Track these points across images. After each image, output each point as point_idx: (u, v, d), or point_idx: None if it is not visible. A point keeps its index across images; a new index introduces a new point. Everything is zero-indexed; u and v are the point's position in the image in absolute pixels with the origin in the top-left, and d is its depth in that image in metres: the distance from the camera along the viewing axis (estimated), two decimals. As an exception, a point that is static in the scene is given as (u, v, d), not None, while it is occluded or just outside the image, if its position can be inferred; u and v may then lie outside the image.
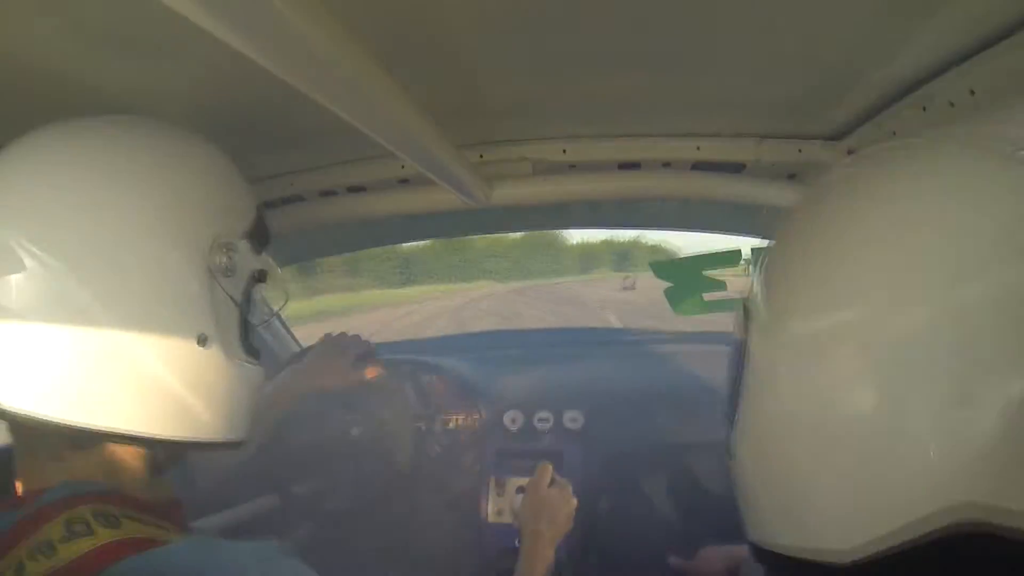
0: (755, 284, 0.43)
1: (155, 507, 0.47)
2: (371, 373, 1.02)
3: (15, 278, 0.41)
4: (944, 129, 0.45)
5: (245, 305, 0.51)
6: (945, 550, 0.30)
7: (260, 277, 0.53)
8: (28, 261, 0.41)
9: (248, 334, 0.52)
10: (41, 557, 0.38)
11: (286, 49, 0.43)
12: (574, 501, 0.85)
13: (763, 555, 0.40)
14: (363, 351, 1.03)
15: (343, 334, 1.06)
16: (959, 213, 0.34)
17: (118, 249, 0.43)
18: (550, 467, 0.85)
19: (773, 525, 0.39)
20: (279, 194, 1.01)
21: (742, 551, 0.80)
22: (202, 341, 0.46)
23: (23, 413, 0.41)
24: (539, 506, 0.81)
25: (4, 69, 0.57)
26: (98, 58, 0.58)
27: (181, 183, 0.48)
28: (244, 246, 0.50)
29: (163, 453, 0.50)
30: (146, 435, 0.44)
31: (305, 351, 1.31)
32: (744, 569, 0.78)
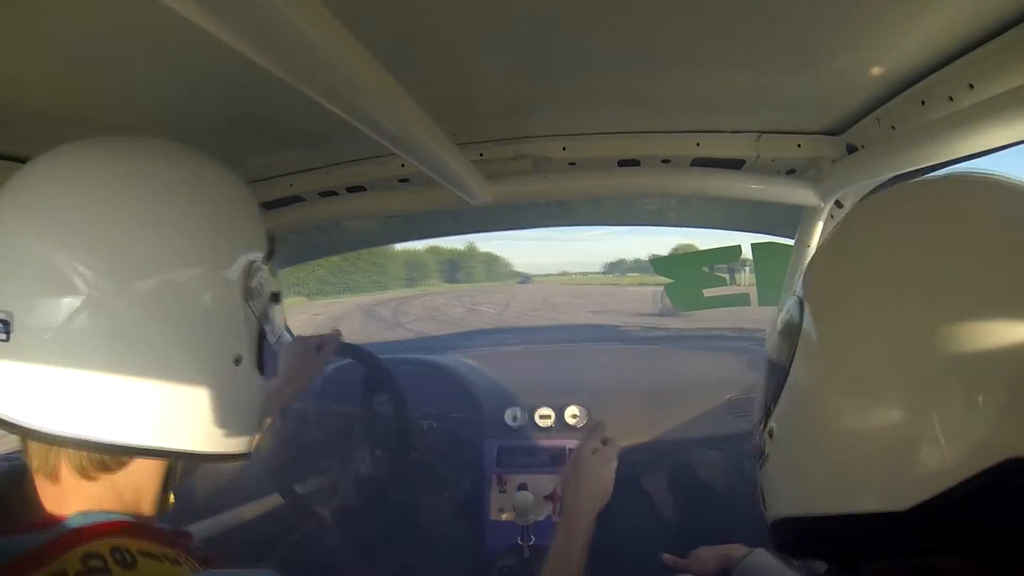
0: (811, 276, 0.45)
1: (170, 536, 0.47)
2: (334, 351, 1.00)
3: (56, 297, 0.41)
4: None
5: (266, 325, 0.52)
6: (993, 484, 0.32)
7: (276, 298, 0.53)
8: (72, 279, 0.41)
9: (262, 352, 0.53)
10: None
11: (286, 49, 0.43)
12: (613, 471, 0.84)
13: (798, 525, 0.42)
14: (323, 339, 1.00)
15: (300, 337, 1.03)
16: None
17: (166, 271, 0.44)
18: (601, 426, 0.84)
19: (821, 496, 0.41)
20: (279, 194, 1.01)
21: (735, 550, 0.81)
22: (237, 361, 0.48)
23: (67, 436, 0.41)
24: (579, 470, 0.80)
25: (19, 77, 0.57)
26: (99, 59, 0.58)
27: (221, 209, 0.48)
28: (266, 269, 0.51)
29: (183, 469, 0.51)
30: (182, 450, 0.45)
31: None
32: (737, 569, 0.78)
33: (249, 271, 0.48)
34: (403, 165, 0.94)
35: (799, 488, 0.43)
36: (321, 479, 1.39)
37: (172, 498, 0.52)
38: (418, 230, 1.53)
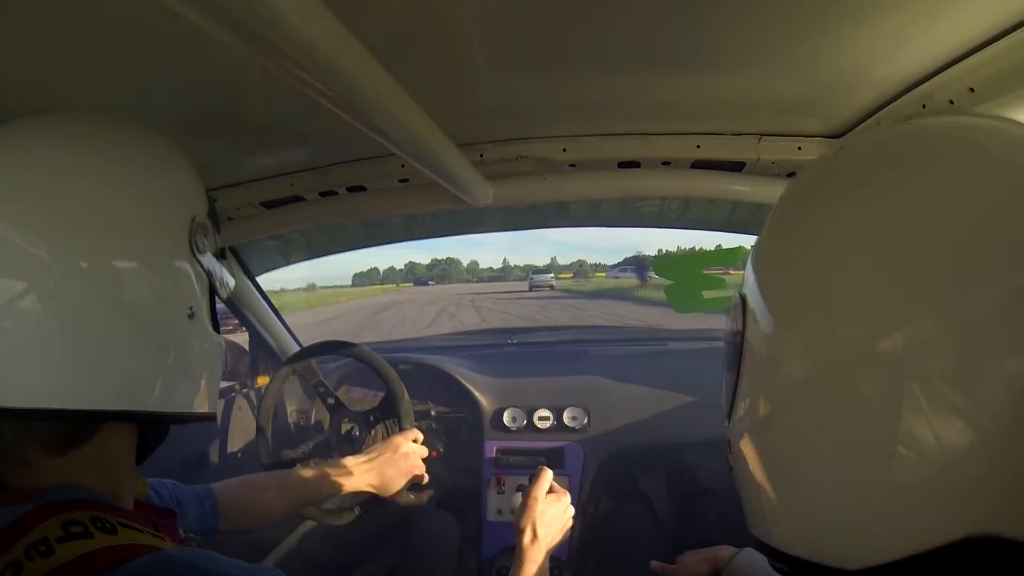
0: (750, 275, 0.41)
1: (149, 517, 0.48)
2: (424, 499, 1.07)
3: (8, 273, 0.41)
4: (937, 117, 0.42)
5: (213, 281, 0.54)
6: (954, 556, 0.29)
7: (221, 255, 0.56)
8: (22, 253, 0.41)
9: (215, 309, 0.55)
10: (38, 556, 0.38)
11: (286, 49, 0.43)
12: (571, 510, 0.85)
13: (766, 549, 0.39)
14: (421, 475, 1.05)
15: (409, 450, 1.05)
16: (965, 201, 0.31)
17: (113, 233, 0.45)
18: (549, 472, 0.85)
19: (773, 525, 0.38)
20: (279, 194, 1.01)
21: (723, 551, 0.80)
22: (191, 315, 0.49)
23: (29, 408, 0.41)
24: (536, 512, 0.80)
25: (17, 75, 0.57)
26: (101, 62, 0.58)
27: (158, 169, 0.50)
28: (209, 226, 0.53)
29: (149, 437, 0.52)
30: (147, 411, 0.46)
31: (309, 350, 1.30)
32: (726, 573, 0.78)
33: (192, 226, 0.50)
34: (403, 165, 0.94)
35: (755, 513, 0.40)
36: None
37: (147, 486, 0.54)
38: (418, 230, 1.52)
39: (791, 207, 0.42)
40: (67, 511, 0.41)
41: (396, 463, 1.01)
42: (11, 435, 0.44)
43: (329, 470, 0.96)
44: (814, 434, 0.34)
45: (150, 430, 0.52)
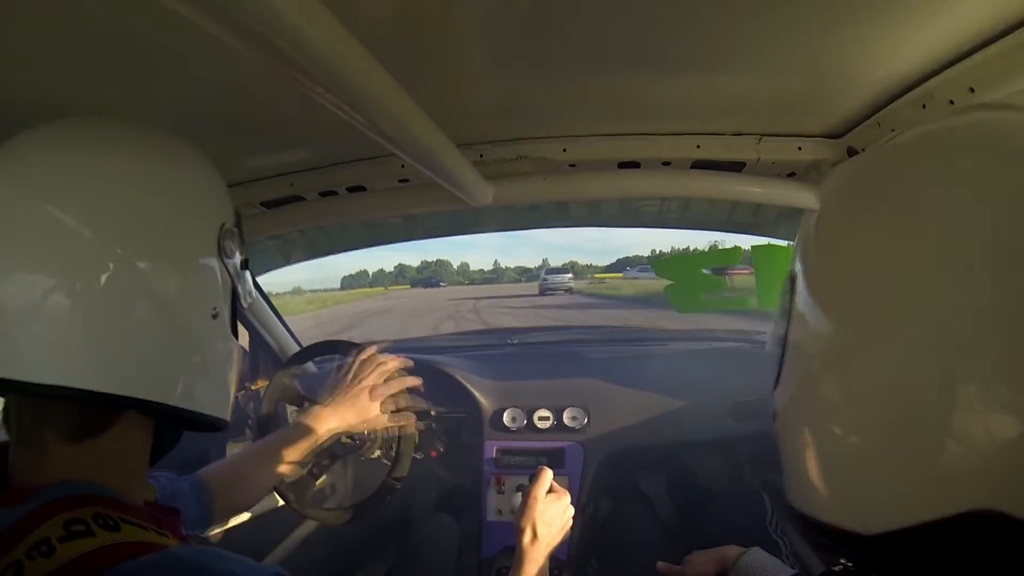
0: (803, 252, 0.44)
1: (153, 515, 0.48)
2: (409, 423, 1.07)
3: (45, 256, 0.43)
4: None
5: (237, 287, 0.56)
6: (963, 528, 0.31)
7: (245, 264, 0.57)
8: (66, 234, 0.43)
9: (236, 315, 0.56)
10: (39, 557, 0.38)
11: (286, 49, 0.43)
12: (571, 510, 0.85)
13: (799, 516, 0.41)
14: (392, 387, 1.04)
15: (368, 361, 1.04)
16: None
17: (149, 229, 0.47)
18: (549, 472, 0.85)
19: (808, 491, 0.40)
20: (279, 194, 1.01)
21: (730, 551, 0.80)
22: (215, 315, 0.52)
23: (56, 386, 0.42)
24: (536, 512, 0.80)
25: (18, 76, 0.57)
26: (102, 61, 0.58)
27: (199, 175, 0.53)
28: (237, 234, 0.55)
29: (163, 438, 0.53)
30: (166, 404, 0.47)
31: (309, 349, 1.30)
32: (732, 572, 0.78)
33: (222, 231, 0.52)
34: (403, 165, 0.94)
35: (792, 478, 0.42)
36: (319, 479, 1.39)
37: (154, 492, 0.55)
38: (417, 230, 1.52)
39: (844, 190, 0.44)
40: (69, 509, 0.41)
41: (349, 386, 1.00)
42: (31, 418, 0.45)
43: (304, 423, 0.96)
44: (848, 403, 0.36)
45: (164, 430, 0.53)
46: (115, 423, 0.47)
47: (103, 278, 0.44)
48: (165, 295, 0.47)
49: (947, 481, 0.31)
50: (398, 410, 1.05)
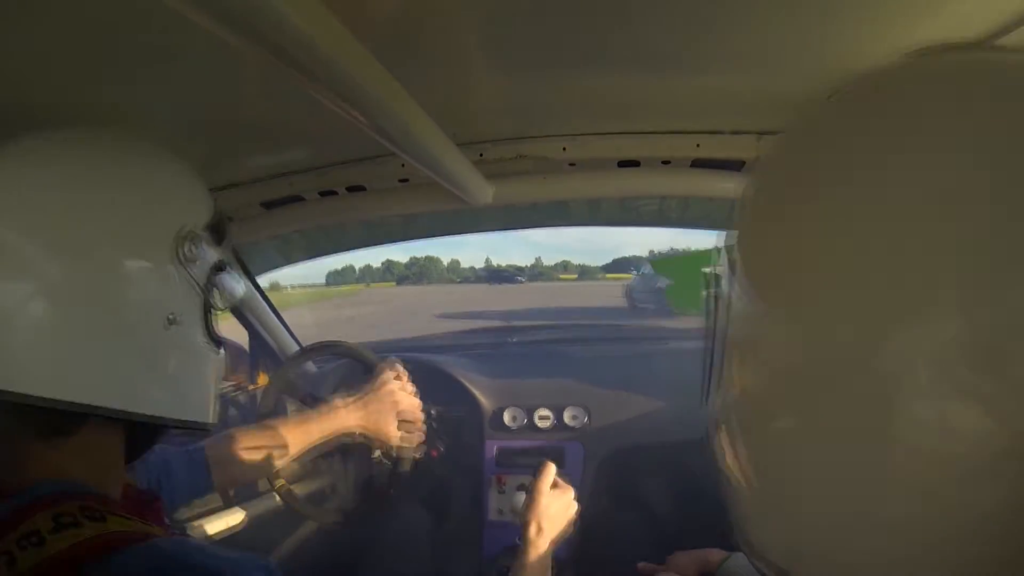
0: (732, 256, 0.37)
1: (135, 504, 0.50)
2: (416, 443, 1.08)
3: (3, 273, 0.44)
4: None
5: (208, 292, 0.55)
6: None
7: (220, 267, 0.57)
8: (15, 254, 0.44)
9: (211, 322, 0.56)
10: (30, 548, 0.40)
11: (286, 49, 0.43)
12: (575, 505, 0.85)
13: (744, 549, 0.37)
14: (412, 413, 1.06)
15: (399, 376, 1.07)
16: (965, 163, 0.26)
17: (97, 238, 0.47)
18: (553, 466, 0.85)
19: (751, 525, 0.35)
20: (279, 194, 1.01)
21: (713, 554, 0.80)
22: (172, 321, 0.51)
23: (10, 392, 0.43)
24: (541, 506, 0.81)
25: (19, 76, 0.57)
26: (101, 62, 0.58)
27: (152, 178, 0.53)
28: (206, 237, 0.55)
29: (138, 437, 0.53)
30: (116, 409, 0.47)
31: (307, 352, 1.30)
32: (717, 573, 0.78)
33: (180, 236, 0.51)
34: (403, 165, 0.94)
35: (735, 508, 0.37)
36: (319, 480, 1.39)
37: (132, 479, 0.55)
38: (417, 230, 1.52)
39: (778, 170, 0.37)
40: (56, 504, 0.43)
41: (380, 398, 1.02)
42: (2, 419, 0.47)
43: (318, 415, 0.98)
44: (802, 428, 0.30)
45: (136, 431, 0.53)
46: (84, 424, 0.48)
47: (46, 287, 0.45)
48: (113, 303, 0.47)
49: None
50: (410, 432, 1.08)
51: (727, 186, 0.95)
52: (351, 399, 1.01)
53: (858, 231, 0.27)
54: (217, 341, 0.56)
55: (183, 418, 0.52)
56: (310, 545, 1.43)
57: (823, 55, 0.64)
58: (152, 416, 0.49)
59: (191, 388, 0.53)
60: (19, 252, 0.44)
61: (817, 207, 0.30)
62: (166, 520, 0.56)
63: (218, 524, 1.11)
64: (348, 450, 1.21)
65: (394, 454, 1.13)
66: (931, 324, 0.25)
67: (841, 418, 0.27)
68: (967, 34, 0.57)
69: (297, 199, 1.03)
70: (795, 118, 0.38)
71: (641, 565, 0.85)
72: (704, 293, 0.40)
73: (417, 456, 1.11)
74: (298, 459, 0.99)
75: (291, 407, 1.50)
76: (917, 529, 0.26)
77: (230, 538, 1.13)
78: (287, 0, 0.39)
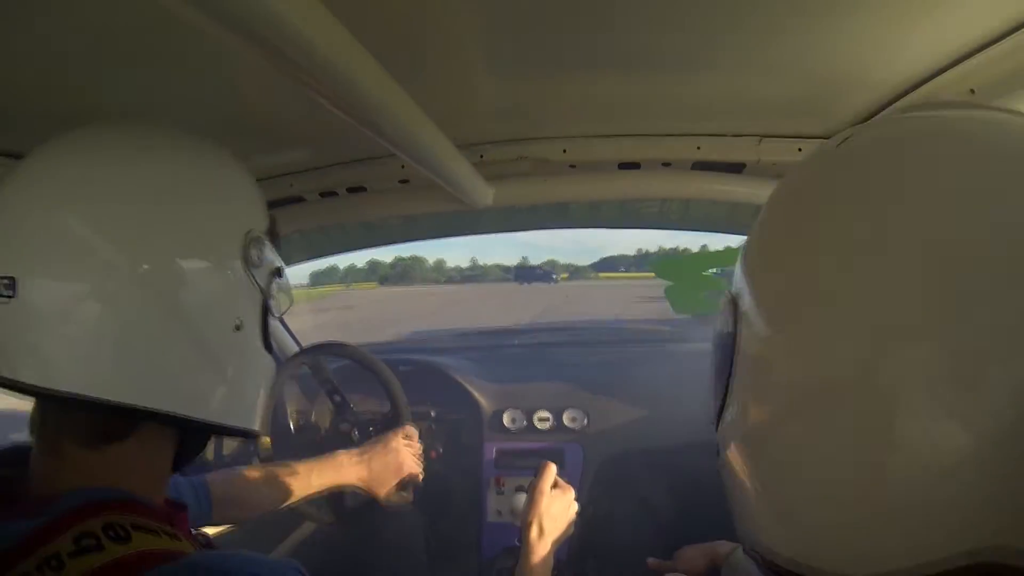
0: (742, 274, 0.40)
1: (166, 513, 0.48)
2: (409, 499, 1.08)
3: (64, 263, 0.43)
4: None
5: (268, 297, 0.54)
6: None
7: (279, 273, 0.56)
8: (80, 245, 0.43)
9: (267, 327, 0.55)
10: (49, 571, 0.38)
11: (286, 49, 0.43)
12: (576, 505, 0.85)
13: (754, 556, 0.37)
14: (414, 475, 1.06)
15: (410, 440, 1.07)
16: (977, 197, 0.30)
17: (171, 238, 0.47)
18: (553, 466, 0.85)
19: (760, 531, 0.36)
20: (279, 194, 1.01)
21: (721, 547, 0.80)
22: (238, 327, 0.50)
23: (75, 394, 0.42)
24: (541, 506, 0.81)
25: (20, 77, 0.57)
26: (105, 63, 0.58)
27: (223, 180, 0.52)
28: (267, 242, 0.54)
29: (188, 444, 0.52)
30: (186, 416, 0.47)
31: (309, 350, 1.30)
32: (725, 567, 0.78)
33: (247, 240, 0.51)
34: (403, 166, 0.94)
35: (743, 518, 0.38)
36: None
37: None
38: (417, 230, 1.52)
39: (792, 201, 0.41)
40: (81, 520, 0.41)
41: (386, 460, 1.02)
42: (52, 425, 0.45)
43: (320, 464, 0.97)
44: (810, 442, 0.32)
45: (190, 437, 0.52)
46: (137, 430, 0.46)
47: (119, 289, 0.44)
48: (183, 307, 0.46)
49: (935, 527, 0.28)
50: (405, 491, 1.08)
51: (728, 188, 0.95)
52: (356, 454, 1.01)
53: (856, 269, 0.31)
54: (271, 348, 0.55)
55: (238, 425, 0.51)
56: (309, 545, 1.42)
57: (823, 58, 0.64)
58: (210, 422, 0.49)
59: (248, 395, 0.53)
60: (90, 248, 0.43)
61: (819, 248, 0.34)
62: (192, 532, 0.54)
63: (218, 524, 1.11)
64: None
65: (394, 422, 1.16)
66: (919, 347, 0.29)
67: (844, 433, 0.30)
68: (963, 39, 0.57)
69: (297, 199, 1.03)
70: (800, 164, 0.43)
71: (651, 561, 0.85)
72: (719, 316, 0.42)
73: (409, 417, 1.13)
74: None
75: (291, 410, 1.50)
76: (915, 534, 0.29)
77: (230, 538, 1.13)
78: (288, 2, 0.39)
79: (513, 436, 1.39)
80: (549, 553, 0.79)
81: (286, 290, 0.56)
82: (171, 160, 0.49)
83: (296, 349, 1.55)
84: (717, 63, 0.67)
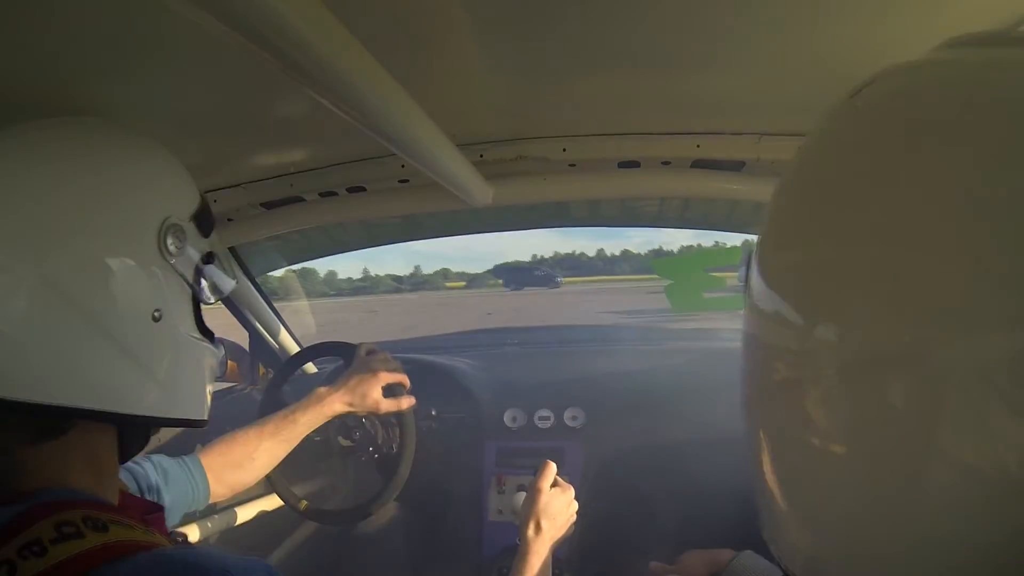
0: (754, 277, 0.37)
1: (137, 510, 0.49)
2: (405, 404, 1.08)
3: None
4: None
5: (196, 284, 0.54)
6: None
7: (208, 259, 0.55)
8: None
9: (199, 313, 0.55)
10: (31, 556, 0.39)
11: (286, 49, 0.43)
12: (575, 504, 0.85)
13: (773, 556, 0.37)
14: (395, 377, 1.06)
15: (378, 355, 1.08)
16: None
17: (75, 234, 0.46)
18: (553, 465, 0.85)
19: (779, 531, 0.35)
20: (279, 194, 1.01)
21: (723, 554, 0.80)
22: (156, 317, 0.49)
23: (11, 400, 0.42)
24: (540, 504, 0.81)
25: (20, 76, 0.57)
26: (105, 63, 0.58)
27: (132, 169, 0.51)
28: (191, 228, 0.53)
29: (129, 437, 0.52)
30: (111, 411, 0.46)
31: (310, 350, 1.30)
32: (726, 573, 0.78)
33: (163, 228, 0.50)
34: (403, 166, 0.94)
35: (766, 517, 0.37)
36: (319, 480, 1.39)
37: (125, 485, 0.55)
38: (417, 230, 1.52)
39: (808, 174, 0.36)
40: (58, 512, 0.42)
41: (362, 376, 1.03)
42: None
43: (304, 405, 0.98)
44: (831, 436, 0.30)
45: (128, 431, 0.52)
46: (72, 427, 0.46)
47: (21, 287, 0.43)
48: (90, 302, 0.45)
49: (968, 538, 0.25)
50: (397, 395, 1.08)
51: (727, 187, 0.95)
52: (331, 385, 1.02)
53: (893, 240, 0.27)
54: (209, 334, 0.55)
55: (175, 415, 0.51)
56: (309, 545, 1.43)
57: (823, 55, 0.64)
58: (142, 416, 0.48)
59: (182, 384, 0.52)
60: None
61: (853, 219, 0.29)
62: (169, 531, 0.55)
63: (218, 524, 1.11)
64: (348, 452, 1.21)
65: (395, 447, 1.15)
66: (974, 337, 0.24)
67: (878, 431, 0.27)
68: (961, 34, 0.57)
69: (297, 199, 1.03)
70: (818, 120, 0.38)
71: (653, 565, 0.85)
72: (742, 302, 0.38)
73: (417, 438, 1.12)
74: (292, 457, 0.98)
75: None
76: (947, 545, 0.26)
77: (230, 538, 1.13)
78: (288, 2, 0.39)
79: (514, 435, 1.39)
80: (548, 551, 0.79)
81: (219, 275, 0.55)
82: (74, 153, 0.48)
83: (296, 349, 1.55)
84: (716, 61, 0.67)
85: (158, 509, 0.53)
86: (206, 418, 0.54)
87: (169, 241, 0.50)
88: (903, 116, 0.30)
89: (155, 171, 0.52)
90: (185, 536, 0.57)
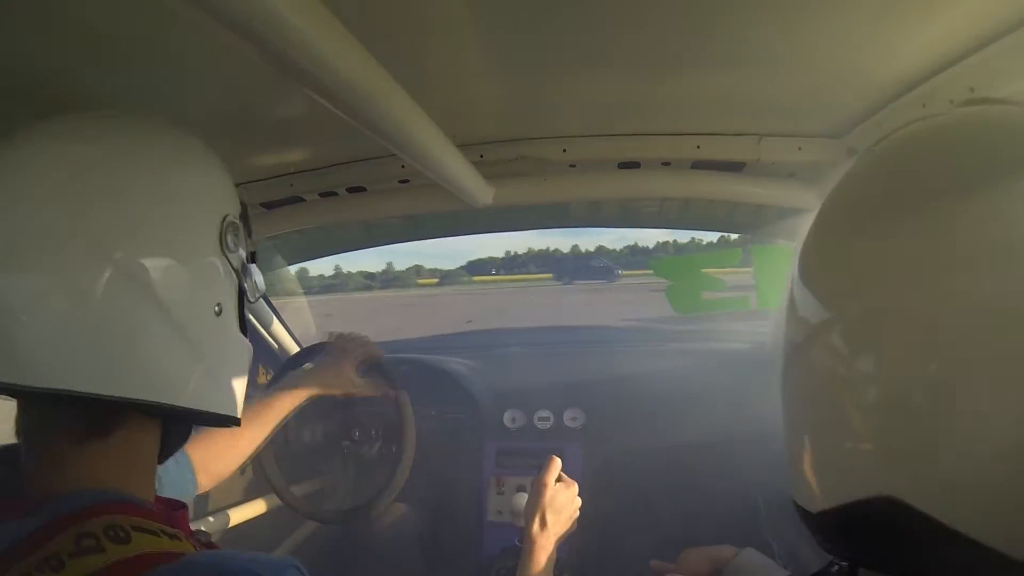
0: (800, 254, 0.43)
1: (164, 513, 0.48)
2: (377, 390, 1.11)
3: (36, 257, 0.42)
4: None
5: (244, 282, 0.54)
6: (868, 512, 0.34)
7: (252, 258, 0.56)
8: (48, 237, 0.43)
9: (244, 312, 0.55)
10: (49, 571, 0.38)
11: (286, 49, 0.43)
12: (579, 500, 0.85)
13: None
14: (370, 358, 1.09)
15: (351, 337, 1.11)
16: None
17: (147, 226, 0.46)
18: (559, 460, 0.85)
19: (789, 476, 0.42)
20: (279, 194, 1.01)
21: (724, 551, 0.80)
22: (218, 312, 0.50)
23: (56, 389, 0.42)
24: (546, 499, 0.81)
25: (8, 73, 0.57)
26: (105, 63, 0.58)
27: (198, 167, 0.52)
28: (241, 227, 0.54)
29: (171, 436, 0.52)
30: (171, 404, 0.46)
31: (307, 351, 1.31)
32: (728, 571, 0.78)
33: (224, 226, 0.51)
34: (403, 166, 0.94)
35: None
36: (319, 480, 1.39)
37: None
38: (417, 230, 1.52)
39: (841, 192, 0.43)
40: (80, 522, 0.41)
41: (332, 354, 1.07)
42: (36, 422, 0.45)
43: (278, 389, 1.00)
44: (802, 393, 0.40)
45: (172, 428, 0.52)
46: (121, 424, 0.46)
47: (98, 279, 0.43)
48: (164, 294, 0.46)
49: (860, 468, 0.35)
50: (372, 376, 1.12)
51: (728, 187, 0.95)
52: (302, 371, 1.05)
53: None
54: (246, 332, 0.55)
55: (220, 411, 0.51)
56: (309, 545, 1.42)
57: (823, 57, 0.64)
58: (193, 410, 0.48)
59: (229, 380, 0.53)
60: (70, 242, 0.43)
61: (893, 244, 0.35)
62: (192, 530, 0.54)
63: (218, 524, 1.11)
64: (348, 452, 1.21)
65: (395, 448, 1.16)
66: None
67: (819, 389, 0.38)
68: (963, 37, 0.58)
69: (297, 199, 1.03)
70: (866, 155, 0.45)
71: (654, 564, 0.85)
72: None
73: (411, 415, 1.15)
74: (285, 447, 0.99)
75: None
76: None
77: (230, 538, 1.13)
78: (288, 2, 0.39)
79: (513, 435, 1.39)
80: (553, 547, 0.79)
81: (259, 274, 0.56)
82: (140, 148, 0.48)
83: (296, 349, 1.55)
84: (716, 62, 0.67)
85: (181, 506, 0.53)
86: (239, 416, 0.55)
87: (229, 238, 0.51)
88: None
89: (214, 170, 0.53)
90: (208, 535, 0.57)
